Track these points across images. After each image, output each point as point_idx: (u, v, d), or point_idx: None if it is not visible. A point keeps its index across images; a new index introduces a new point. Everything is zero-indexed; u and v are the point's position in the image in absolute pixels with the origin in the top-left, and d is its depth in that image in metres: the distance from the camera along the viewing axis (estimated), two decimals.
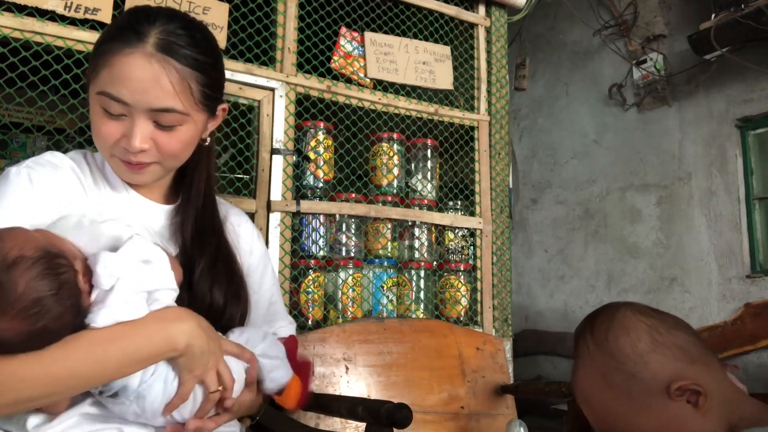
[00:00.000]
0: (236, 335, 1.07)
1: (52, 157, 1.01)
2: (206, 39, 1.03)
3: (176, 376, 0.91)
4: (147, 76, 0.93)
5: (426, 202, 2.22)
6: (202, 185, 1.15)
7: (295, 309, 1.91)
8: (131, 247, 0.87)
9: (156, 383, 0.89)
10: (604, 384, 0.84)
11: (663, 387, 0.80)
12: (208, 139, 1.12)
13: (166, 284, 0.90)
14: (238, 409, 1.02)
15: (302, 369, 1.19)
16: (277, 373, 1.09)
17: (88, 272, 0.85)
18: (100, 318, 0.83)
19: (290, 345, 1.19)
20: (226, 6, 1.83)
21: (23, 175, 0.95)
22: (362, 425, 1.58)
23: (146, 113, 0.95)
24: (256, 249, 1.28)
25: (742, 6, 2.90)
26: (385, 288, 2.09)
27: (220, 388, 0.95)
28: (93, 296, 0.84)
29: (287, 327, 1.30)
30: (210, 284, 1.05)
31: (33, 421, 0.87)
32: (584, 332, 0.88)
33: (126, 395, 0.87)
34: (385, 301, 2.08)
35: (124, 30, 0.96)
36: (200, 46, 1.00)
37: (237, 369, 1.01)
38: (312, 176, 2.03)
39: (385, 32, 2.24)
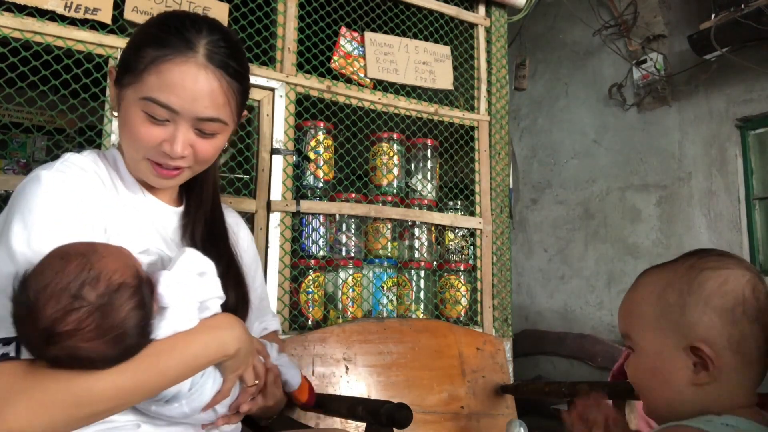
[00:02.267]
0: None
1: (76, 159, 1.00)
2: (242, 50, 1.07)
3: (221, 375, 0.97)
4: (200, 86, 0.95)
5: (426, 202, 2.22)
6: (210, 188, 1.18)
7: (295, 309, 1.91)
8: (187, 261, 0.90)
9: (206, 384, 0.94)
10: (660, 288, 0.83)
11: (691, 338, 0.78)
12: (228, 145, 1.14)
13: (215, 293, 0.94)
14: (270, 403, 1.10)
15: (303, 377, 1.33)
16: (291, 374, 1.21)
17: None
18: (162, 330, 0.86)
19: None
20: (226, 6, 1.83)
21: (57, 179, 0.94)
22: (362, 425, 1.58)
23: (191, 121, 0.97)
24: (251, 249, 1.33)
25: (742, 6, 2.90)
26: (385, 288, 2.09)
27: (257, 382, 1.04)
28: (155, 308, 0.87)
29: (274, 321, 1.36)
30: (225, 288, 1.07)
31: None
32: (700, 251, 0.85)
33: (178, 399, 0.92)
34: (385, 301, 2.08)
35: (171, 36, 0.96)
36: (240, 59, 1.03)
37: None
38: (312, 176, 2.03)
39: (385, 32, 2.24)
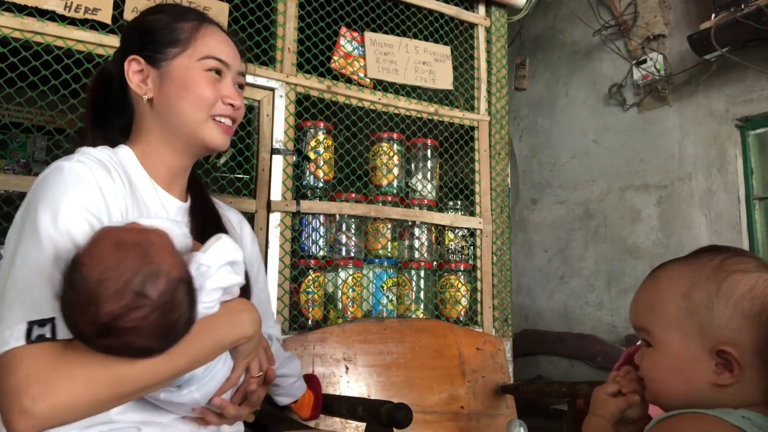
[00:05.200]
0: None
1: (93, 151, 1.03)
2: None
3: (230, 361, 0.97)
4: (231, 45, 1.16)
5: (426, 202, 2.22)
6: (200, 178, 1.25)
7: (295, 309, 1.91)
8: (220, 248, 0.90)
9: (217, 369, 0.94)
10: (686, 286, 0.81)
11: (717, 340, 0.77)
12: None
13: (240, 279, 0.94)
14: (259, 402, 1.09)
15: (314, 382, 1.32)
16: (294, 388, 1.21)
17: None
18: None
19: (315, 382, 1.33)
20: (226, 6, 1.83)
21: (80, 169, 0.96)
22: (362, 425, 1.58)
23: (233, 75, 1.14)
24: (254, 248, 1.34)
25: (742, 6, 2.90)
26: (385, 288, 2.09)
27: (261, 373, 1.05)
28: None
29: (274, 327, 1.35)
30: None
31: None
32: (726, 248, 0.84)
33: (189, 384, 0.92)
34: (385, 301, 2.08)
35: (192, 11, 1.15)
36: None
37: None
38: (312, 176, 2.03)
39: (385, 32, 2.24)
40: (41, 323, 0.80)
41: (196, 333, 0.87)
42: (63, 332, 0.80)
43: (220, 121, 1.12)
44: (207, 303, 0.88)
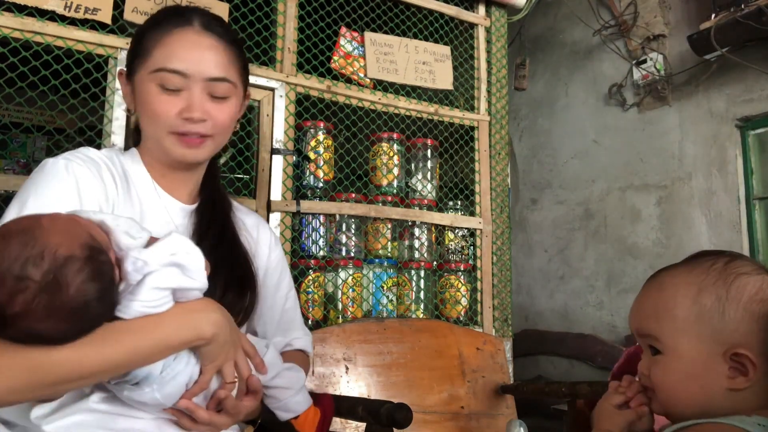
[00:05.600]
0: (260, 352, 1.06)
1: (88, 151, 1.03)
2: (232, 28, 1.19)
3: (197, 364, 0.92)
4: (202, 47, 1.04)
5: (426, 202, 2.22)
6: (218, 183, 1.22)
7: None
8: (164, 247, 0.86)
9: (179, 370, 0.90)
10: (693, 291, 0.80)
11: (731, 344, 0.77)
12: (238, 125, 1.18)
13: (194, 284, 0.90)
14: (238, 412, 1.01)
15: (325, 401, 1.21)
16: (293, 403, 1.10)
17: (118, 263, 0.85)
18: (128, 311, 0.84)
19: (327, 401, 1.23)
20: (226, 6, 1.83)
21: (60, 166, 0.97)
22: (362, 425, 1.58)
23: (202, 84, 1.03)
24: (275, 253, 1.28)
25: (742, 6, 2.90)
26: (385, 288, 2.09)
27: (236, 379, 0.98)
28: (121, 287, 0.85)
29: (302, 338, 1.29)
30: (226, 288, 1.05)
31: (37, 411, 0.88)
32: (722, 252, 0.84)
33: (148, 383, 0.88)
34: (385, 301, 2.08)
35: (167, 16, 1.07)
36: (233, 31, 1.14)
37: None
38: (312, 176, 2.03)
39: (385, 32, 2.24)
40: None
41: (139, 328, 0.84)
42: None
43: (184, 135, 1.04)
44: (147, 301, 0.84)
